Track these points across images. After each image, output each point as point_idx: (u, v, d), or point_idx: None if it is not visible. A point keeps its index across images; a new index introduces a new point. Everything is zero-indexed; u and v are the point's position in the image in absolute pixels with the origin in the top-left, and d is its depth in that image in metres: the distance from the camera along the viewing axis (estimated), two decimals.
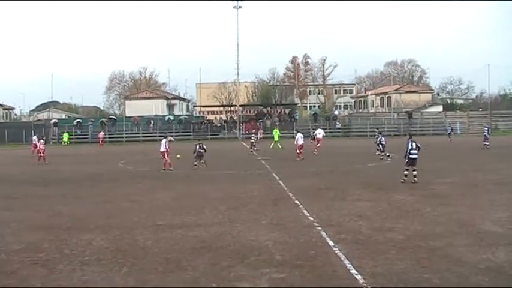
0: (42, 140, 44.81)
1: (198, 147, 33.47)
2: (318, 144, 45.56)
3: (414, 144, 23.19)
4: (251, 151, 45.56)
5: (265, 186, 23.75)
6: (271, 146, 52.39)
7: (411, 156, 23.08)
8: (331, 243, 12.52)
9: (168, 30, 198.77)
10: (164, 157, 31.96)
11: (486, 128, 49.32)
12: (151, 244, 12.93)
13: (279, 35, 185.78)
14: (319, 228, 14.24)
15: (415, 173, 23.06)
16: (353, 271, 10.17)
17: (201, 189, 23.04)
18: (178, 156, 35.36)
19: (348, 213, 16.40)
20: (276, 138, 54.78)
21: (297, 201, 18.82)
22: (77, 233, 14.37)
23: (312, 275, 10.11)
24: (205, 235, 13.78)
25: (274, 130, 57.87)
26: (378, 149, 38.42)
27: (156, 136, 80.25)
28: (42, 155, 41.29)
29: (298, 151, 38.25)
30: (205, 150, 33.48)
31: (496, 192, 20.55)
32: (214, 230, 14.42)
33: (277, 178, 26.35)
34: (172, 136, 47.05)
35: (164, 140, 32.62)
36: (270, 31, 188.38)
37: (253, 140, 48.20)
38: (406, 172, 23.16)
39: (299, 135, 38.66)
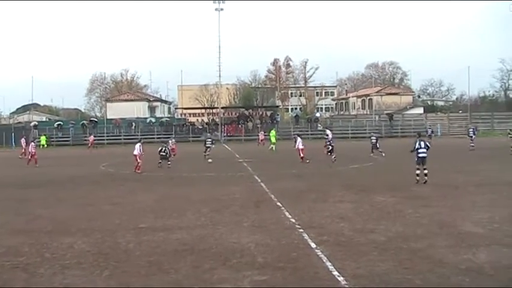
0: (33, 143, 44.43)
1: (162, 149, 35.61)
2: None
3: (423, 143, 23.33)
4: (205, 155, 43.16)
5: (247, 188, 23.76)
6: (270, 148, 52.23)
7: (420, 155, 23.14)
8: (313, 245, 12.54)
9: (149, 32, 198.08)
10: (136, 160, 32.04)
11: (472, 129, 49.72)
12: (133, 247, 12.89)
13: (261, 37, 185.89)
14: (301, 230, 14.27)
15: (425, 171, 23.05)
16: (335, 273, 10.19)
17: (183, 192, 23.01)
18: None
19: (329, 215, 16.44)
20: (274, 140, 54.79)
21: (278, 203, 18.84)
22: (58, 236, 14.28)
23: (294, 277, 10.12)
24: (188, 238, 13.75)
25: (272, 132, 57.73)
26: (327, 150, 37.97)
27: (137, 138, 79.99)
28: (31, 157, 41.26)
29: (301, 154, 37.08)
30: (167, 154, 35.72)
31: (477, 193, 20.70)
32: (196, 232, 14.40)
33: (259, 180, 26.36)
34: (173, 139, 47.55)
35: (138, 144, 32.84)
36: (252, 33, 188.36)
37: (208, 145, 45.01)
38: (418, 172, 23.17)
39: (299, 140, 38.03)
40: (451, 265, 10.57)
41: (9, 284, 10.12)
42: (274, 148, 52.60)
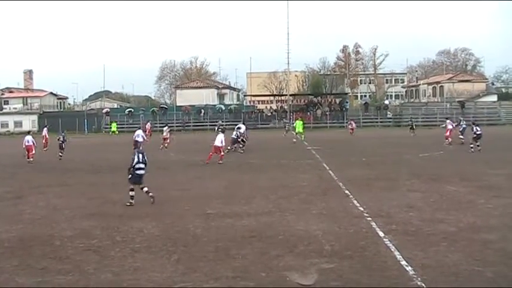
0: (165, 128, 46.09)
1: (60, 138, 36.27)
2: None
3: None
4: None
5: (315, 176, 23.68)
6: (302, 138, 51.04)
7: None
8: (381, 234, 12.45)
9: (218, 20, 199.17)
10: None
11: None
12: (201, 232, 13.06)
13: (330, 24, 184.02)
14: (369, 218, 14.17)
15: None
16: (403, 262, 10.09)
17: (250, 178, 23.12)
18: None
19: (398, 203, 16.25)
20: (300, 129, 52.64)
21: (347, 191, 18.74)
22: (128, 220, 14.63)
23: (361, 265, 10.06)
24: (255, 224, 13.85)
25: (297, 121, 56.52)
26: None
27: (206, 125, 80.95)
28: (166, 142, 43.10)
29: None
30: (64, 141, 36.24)
31: None
32: (264, 219, 14.48)
33: (327, 168, 26.24)
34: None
35: (140, 131, 33.26)
36: (321, 20, 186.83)
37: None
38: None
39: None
40: None
41: (82, 266, 10.41)
42: (302, 137, 51.23)
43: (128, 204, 16.92)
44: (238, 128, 38.30)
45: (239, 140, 36.99)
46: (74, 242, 12.29)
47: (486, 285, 9.02)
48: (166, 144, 43.18)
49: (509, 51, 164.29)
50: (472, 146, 34.14)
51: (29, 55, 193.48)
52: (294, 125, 54.87)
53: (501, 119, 73.90)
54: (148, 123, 67.94)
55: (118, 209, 16.36)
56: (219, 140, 30.50)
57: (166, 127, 47.39)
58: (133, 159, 17.29)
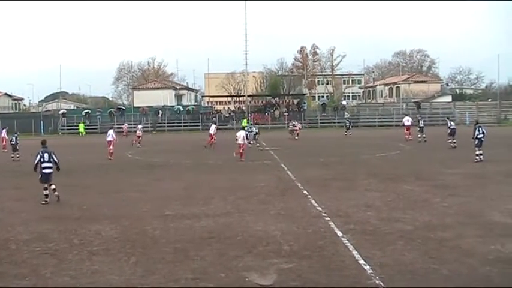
0: (140, 126, 49.08)
1: (13, 139, 36.45)
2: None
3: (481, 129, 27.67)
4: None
5: (273, 176, 23.73)
6: None
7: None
8: (339, 233, 12.54)
9: (176, 21, 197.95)
10: (109, 146, 33.73)
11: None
12: (159, 234, 12.99)
13: (288, 25, 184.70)
14: (328, 218, 14.26)
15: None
16: (361, 261, 10.18)
17: (209, 179, 23.07)
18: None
19: (356, 203, 16.40)
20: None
21: (305, 192, 18.83)
22: (85, 223, 14.45)
23: (320, 265, 10.13)
24: (214, 225, 13.83)
25: (243, 120, 57.04)
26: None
27: (164, 126, 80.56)
28: (139, 140, 46.14)
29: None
30: (17, 143, 36.21)
31: (506, 183, 20.44)
32: (222, 220, 14.47)
33: (286, 168, 26.33)
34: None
35: (111, 130, 34.55)
36: (279, 21, 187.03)
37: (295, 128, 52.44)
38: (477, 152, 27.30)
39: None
40: (479, 255, 10.50)
41: (39, 269, 10.27)
42: None
43: (43, 202, 17.64)
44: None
45: (256, 136, 41.46)
46: (30, 246, 12.10)
47: (442, 282, 9.16)
48: (138, 141, 46.04)
49: (463, 52, 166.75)
50: (450, 141, 36.41)
51: None
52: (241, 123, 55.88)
53: (455, 119, 75.24)
54: (126, 124, 67.65)
55: (75, 212, 16.17)
56: (241, 137, 31.80)
57: (140, 125, 51.00)
58: (35, 159, 18.23)
